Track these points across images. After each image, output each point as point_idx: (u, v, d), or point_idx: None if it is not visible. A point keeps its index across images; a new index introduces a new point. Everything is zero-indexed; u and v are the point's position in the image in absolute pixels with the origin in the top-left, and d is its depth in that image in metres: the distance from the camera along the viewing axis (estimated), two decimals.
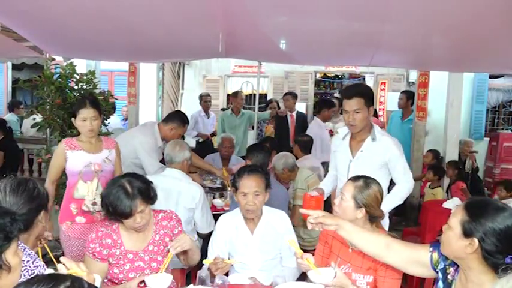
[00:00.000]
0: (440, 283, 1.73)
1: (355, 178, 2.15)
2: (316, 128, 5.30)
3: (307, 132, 5.10)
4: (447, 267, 1.72)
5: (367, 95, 2.70)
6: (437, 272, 1.76)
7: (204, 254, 2.72)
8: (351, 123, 2.71)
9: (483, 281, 1.53)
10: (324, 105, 5.59)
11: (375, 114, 6.90)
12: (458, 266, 1.67)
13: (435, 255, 1.76)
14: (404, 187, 2.71)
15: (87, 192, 2.80)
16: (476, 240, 1.50)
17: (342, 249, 2.17)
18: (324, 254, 2.26)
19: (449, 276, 1.70)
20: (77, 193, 2.80)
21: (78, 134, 4.23)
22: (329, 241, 2.25)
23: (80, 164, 2.82)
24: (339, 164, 2.89)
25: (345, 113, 2.73)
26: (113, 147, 2.99)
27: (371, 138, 2.71)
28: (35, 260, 1.56)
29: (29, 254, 1.57)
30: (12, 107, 7.45)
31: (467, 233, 1.52)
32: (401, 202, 2.75)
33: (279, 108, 6.51)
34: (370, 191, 2.08)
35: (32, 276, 1.06)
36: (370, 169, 2.56)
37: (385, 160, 2.67)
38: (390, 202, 2.68)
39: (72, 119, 2.87)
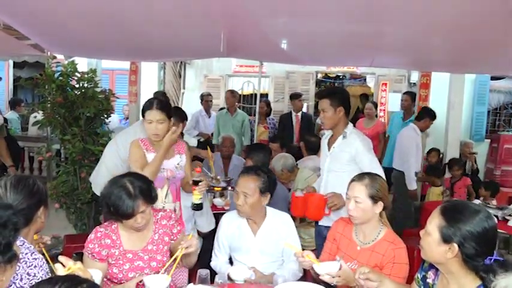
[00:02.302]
0: None
1: (360, 177, 2.18)
2: (410, 133, 4.88)
3: (399, 136, 4.96)
4: (425, 274, 1.74)
5: (334, 97, 2.95)
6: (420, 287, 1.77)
7: (203, 252, 2.72)
8: (321, 120, 3.10)
9: (464, 283, 1.55)
10: (427, 115, 5.00)
11: (376, 116, 6.91)
12: (437, 269, 1.68)
13: (417, 275, 1.81)
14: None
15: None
16: (455, 245, 1.52)
17: (350, 246, 2.20)
18: (332, 251, 2.28)
19: (429, 281, 1.72)
20: None
21: (80, 132, 4.29)
22: (337, 238, 2.27)
23: None
24: (321, 160, 3.20)
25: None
26: (184, 152, 2.83)
27: (342, 136, 2.95)
28: (33, 252, 1.59)
29: (28, 248, 1.59)
30: (14, 105, 7.46)
31: (446, 239, 1.55)
32: None
33: (270, 108, 6.56)
34: (379, 182, 2.15)
35: (50, 277, 1.10)
36: (341, 164, 2.91)
37: (352, 155, 2.88)
38: None
39: (143, 119, 2.73)
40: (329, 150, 3.03)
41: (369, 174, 2.21)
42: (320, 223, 2.97)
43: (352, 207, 2.13)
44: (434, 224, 1.59)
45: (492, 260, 1.47)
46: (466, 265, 1.53)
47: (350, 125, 3.02)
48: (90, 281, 1.09)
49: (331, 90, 3.28)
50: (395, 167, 4.97)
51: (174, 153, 2.78)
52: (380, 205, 2.12)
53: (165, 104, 2.75)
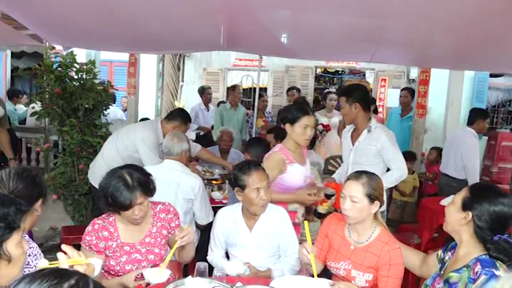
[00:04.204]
0: (439, 266, 1.89)
1: (357, 176, 2.12)
2: (472, 140, 4.49)
3: (455, 141, 4.62)
4: (446, 252, 1.89)
5: (349, 93, 3.17)
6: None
7: (202, 246, 2.73)
8: (343, 116, 3.31)
9: (470, 252, 1.71)
10: (478, 116, 4.64)
11: (375, 111, 6.91)
12: (454, 249, 1.83)
13: (439, 252, 1.94)
14: (395, 173, 3.02)
15: (299, 205, 2.67)
16: (470, 214, 1.70)
17: (343, 245, 2.17)
18: (324, 247, 2.25)
19: (446, 258, 1.87)
20: (292, 205, 2.69)
21: (79, 123, 4.27)
22: (329, 235, 2.24)
23: (301, 179, 2.71)
24: (343, 153, 3.37)
25: None
26: (306, 155, 2.87)
27: (367, 130, 3.12)
28: (28, 241, 1.57)
29: (23, 237, 1.57)
30: (12, 96, 7.40)
31: (465, 207, 1.73)
32: (390, 186, 3.08)
33: (266, 102, 6.59)
34: (375, 181, 2.10)
35: (38, 270, 1.02)
36: (366, 157, 3.09)
37: (378, 148, 3.06)
38: None
39: (288, 125, 2.71)
40: (353, 143, 3.19)
41: (366, 172, 2.15)
42: None
43: (348, 206, 2.07)
44: (460, 195, 1.78)
45: (502, 238, 1.62)
46: (476, 236, 1.70)
47: (373, 119, 3.18)
48: (81, 274, 1.01)
49: (348, 87, 3.53)
50: (450, 175, 4.60)
51: (305, 157, 2.81)
52: (376, 204, 2.08)
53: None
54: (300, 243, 2.20)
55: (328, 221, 2.30)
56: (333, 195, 2.71)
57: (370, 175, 2.12)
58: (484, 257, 1.65)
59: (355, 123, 3.21)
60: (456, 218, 1.75)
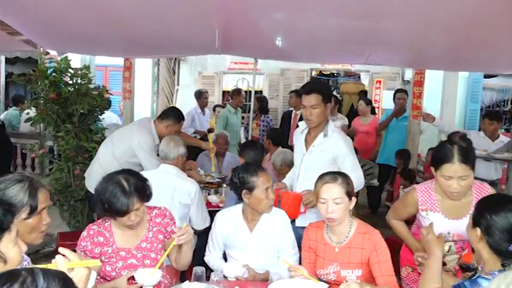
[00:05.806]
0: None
1: (333, 178, 2.14)
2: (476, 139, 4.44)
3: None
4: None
5: (325, 92, 2.81)
6: None
7: (199, 250, 2.71)
8: (308, 118, 2.80)
9: (493, 270, 1.62)
10: (483, 117, 4.90)
11: (373, 112, 6.91)
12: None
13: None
14: (354, 182, 2.52)
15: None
16: (479, 230, 1.62)
17: (327, 249, 2.19)
18: (311, 260, 2.26)
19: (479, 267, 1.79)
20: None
21: (74, 129, 4.26)
22: (312, 245, 2.25)
23: (436, 230, 2.14)
24: (295, 157, 3.02)
25: (303, 107, 2.84)
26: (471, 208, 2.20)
27: (323, 134, 2.79)
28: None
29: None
30: (17, 101, 7.39)
31: (474, 224, 1.67)
32: None
33: (266, 103, 6.56)
34: (348, 178, 2.18)
35: None
36: (320, 163, 2.70)
37: (334, 155, 2.74)
38: None
39: (432, 168, 2.18)
40: (307, 147, 2.87)
41: (337, 173, 2.23)
42: (297, 225, 2.80)
43: (332, 209, 2.07)
44: (472, 212, 1.74)
45: None
46: (493, 252, 1.61)
47: (331, 122, 2.88)
48: (27, 269, 0.96)
49: (318, 84, 3.12)
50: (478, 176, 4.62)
51: (468, 209, 2.15)
52: (353, 200, 2.15)
53: (471, 153, 2.12)
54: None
55: (306, 233, 2.31)
56: (468, 270, 2.16)
57: (342, 174, 2.20)
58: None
59: (318, 126, 2.82)
60: (472, 237, 1.67)
